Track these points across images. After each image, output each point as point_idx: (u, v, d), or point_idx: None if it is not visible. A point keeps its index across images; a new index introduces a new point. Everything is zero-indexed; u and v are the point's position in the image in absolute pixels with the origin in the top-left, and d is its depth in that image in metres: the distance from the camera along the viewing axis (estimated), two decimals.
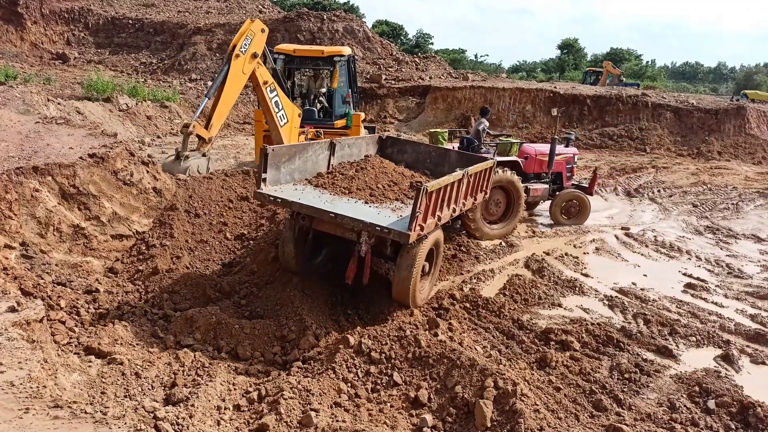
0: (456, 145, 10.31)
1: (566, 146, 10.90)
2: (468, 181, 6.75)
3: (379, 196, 6.61)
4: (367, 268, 5.73)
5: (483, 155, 9.01)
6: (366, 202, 6.30)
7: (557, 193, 10.64)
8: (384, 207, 6.25)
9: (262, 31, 9.48)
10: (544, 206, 11.11)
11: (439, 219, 6.02)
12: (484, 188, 7.71)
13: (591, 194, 10.82)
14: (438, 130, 10.98)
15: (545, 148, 10.49)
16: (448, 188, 6.09)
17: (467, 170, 6.60)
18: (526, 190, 9.79)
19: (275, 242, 6.96)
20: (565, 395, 4.80)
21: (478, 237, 8.98)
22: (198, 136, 9.01)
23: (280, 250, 6.43)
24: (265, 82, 9.59)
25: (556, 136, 10.40)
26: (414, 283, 5.82)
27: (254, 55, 9.15)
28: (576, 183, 11.14)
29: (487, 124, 10.19)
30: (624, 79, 37.59)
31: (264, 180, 5.99)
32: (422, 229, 5.49)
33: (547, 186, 10.42)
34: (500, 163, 9.21)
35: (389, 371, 4.83)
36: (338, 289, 6.57)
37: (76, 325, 5.18)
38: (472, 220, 8.85)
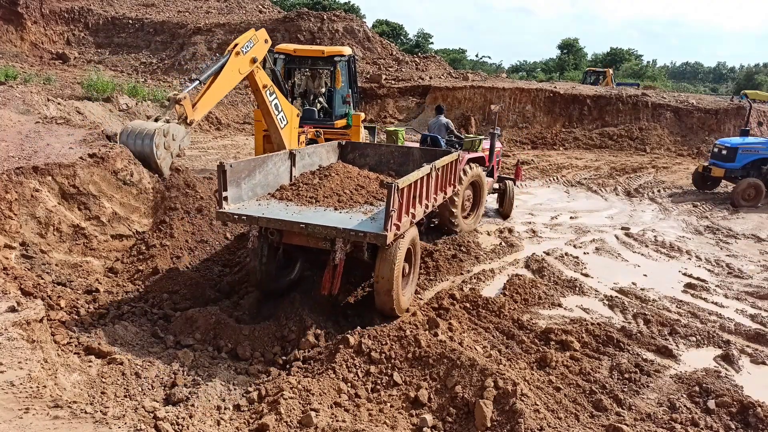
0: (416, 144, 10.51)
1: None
2: (437, 175, 6.65)
3: (348, 201, 6.39)
4: (338, 277, 5.49)
5: (447, 150, 8.96)
6: (335, 209, 6.08)
7: (503, 187, 11.08)
8: (355, 211, 6.05)
9: (266, 41, 9.37)
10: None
11: (414, 216, 5.91)
12: (452, 182, 7.57)
13: (515, 183, 11.55)
14: (396, 128, 11.06)
15: (486, 143, 10.79)
16: (419, 184, 5.94)
17: (434, 164, 6.46)
18: None
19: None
20: (565, 395, 4.80)
21: (456, 231, 9.16)
22: (181, 115, 8.21)
23: (250, 268, 6.20)
24: (264, 86, 9.40)
25: (492, 131, 10.68)
26: (397, 287, 5.59)
27: (253, 60, 8.97)
28: (501, 176, 11.62)
29: (447, 120, 10.49)
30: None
31: (225, 199, 5.64)
32: (398, 228, 5.34)
33: (492, 179, 10.83)
34: (470, 160, 9.39)
35: (389, 371, 4.84)
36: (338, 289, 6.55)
37: (76, 325, 5.19)
38: (455, 216, 9.04)
